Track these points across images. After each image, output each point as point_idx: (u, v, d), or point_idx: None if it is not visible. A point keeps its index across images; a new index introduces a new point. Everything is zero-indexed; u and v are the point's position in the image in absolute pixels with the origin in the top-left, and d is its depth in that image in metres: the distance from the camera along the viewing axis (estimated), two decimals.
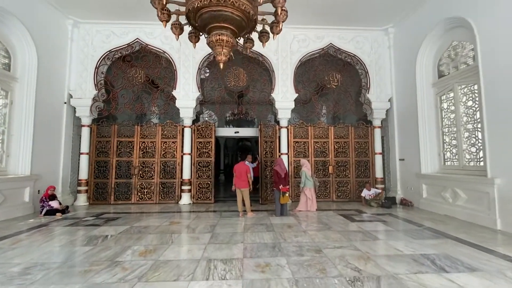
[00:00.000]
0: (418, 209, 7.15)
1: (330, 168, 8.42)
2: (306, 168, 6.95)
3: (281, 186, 6.19)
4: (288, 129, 8.48)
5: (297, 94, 8.38)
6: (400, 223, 5.59)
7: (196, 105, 8.31)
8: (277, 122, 8.65)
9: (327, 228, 5.13)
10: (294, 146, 8.48)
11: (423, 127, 7.28)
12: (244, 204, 6.37)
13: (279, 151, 8.43)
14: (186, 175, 8.13)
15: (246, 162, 7.00)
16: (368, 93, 8.61)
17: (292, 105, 8.34)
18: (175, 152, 8.31)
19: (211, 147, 8.28)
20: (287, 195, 6.25)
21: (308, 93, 8.70)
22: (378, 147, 8.58)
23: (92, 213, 6.76)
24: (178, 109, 8.24)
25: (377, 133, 8.62)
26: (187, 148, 8.21)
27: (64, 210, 6.68)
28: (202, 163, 8.27)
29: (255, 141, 25.31)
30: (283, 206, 6.27)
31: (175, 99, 8.18)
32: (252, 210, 6.57)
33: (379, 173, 8.47)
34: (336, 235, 4.67)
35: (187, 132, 8.27)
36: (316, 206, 6.95)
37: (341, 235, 4.66)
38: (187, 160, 8.19)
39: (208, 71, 8.73)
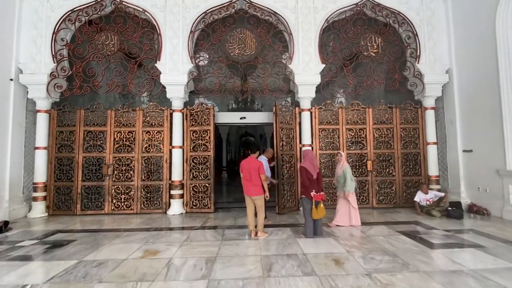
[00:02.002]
0: (502, 220, 5.03)
1: (369, 164, 6.28)
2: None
3: (313, 193, 4.09)
4: (311, 112, 6.35)
5: (323, 65, 6.23)
6: (509, 250, 3.48)
7: (189, 82, 6.20)
8: (296, 104, 6.51)
9: (401, 265, 3.03)
10: (319, 135, 6.36)
11: (509, 107, 5.10)
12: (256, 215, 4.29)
13: (300, 142, 6.32)
14: (177, 175, 6.07)
15: (262, 157, 4.95)
16: (418, 62, 6.42)
17: (318, 79, 6.19)
18: (161, 145, 6.23)
19: (209, 138, 6.18)
20: (322, 205, 4.14)
21: (337, 63, 6.52)
22: (431, 135, 6.41)
23: (41, 231, 4.74)
24: (165, 88, 6.14)
25: (430, 116, 6.45)
26: (177, 140, 6.13)
27: (0, 228, 4.68)
28: (197, 159, 6.19)
29: (260, 135, 23.18)
30: (316, 222, 4.18)
31: (161, 74, 6.07)
32: (266, 225, 4.50)
33: (433, 170, 6.32)
34: (429, 284, 2.58)
35: (177, 118, 6.18)
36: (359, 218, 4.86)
37: (439, 285, 2.56)
38: (177, 155, 6.11)
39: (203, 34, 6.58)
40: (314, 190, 4.11)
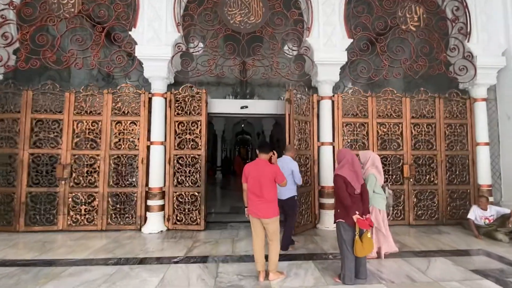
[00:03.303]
0: None
1: (405, 168, 4.89)
2: (375, 169, 3.38)
3: (357, 216, 2.64)
4: (334, 101, 4.91)
5: (350, 40, 4.80)
6: None
7: (174, 57, 4.68)
8: (314, 91, 5.06)
9: None
10: (343, 131, 4.93)
11: None
12: (269, 239, 2.83)
13: (318, 139, 4.89)
14: (156, 180, 4.57)
15: (286, 158, 3.55)
16: (468, 40, 5.05)
17: (343, 57, 4.76)
18: (136, 140, 4.71)
19: (200, 132, 4.69)
20: (369, 235, 2.70)
21: (366, 39, 5.08)
22: (482, 134, 5.05)
23: None
24: (142, 65, 4.63)
25: (481, 109, 5.08)
26: (157, 133, 4.63)
27: None
28: (184, 159, 4.70)
29: (257, 133, 21.69)
30: (359, 260, 2.74)
31: (136, 45, 4.55)
32: (280, 259, 3.04)
33: (484, 177, 4.96)
34: None
35: (158, 104, 4.67)
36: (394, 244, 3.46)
37: None
38: (157, 154, 4.61)
39: None
40: (357, 211, 2.68)
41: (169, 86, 4.86)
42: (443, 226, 4.87)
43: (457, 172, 5.07)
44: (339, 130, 4.89)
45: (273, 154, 2.96)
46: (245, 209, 2.95)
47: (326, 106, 4.85)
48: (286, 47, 5.08)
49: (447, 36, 5.18)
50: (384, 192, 3.39)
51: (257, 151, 2.95)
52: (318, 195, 4.80)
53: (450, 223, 4.93)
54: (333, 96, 4.91)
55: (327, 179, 4.75)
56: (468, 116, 5.14)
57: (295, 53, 4.96)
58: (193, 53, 4.75)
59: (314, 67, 4.80)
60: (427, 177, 5.01)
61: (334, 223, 2.87)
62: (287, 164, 3.58)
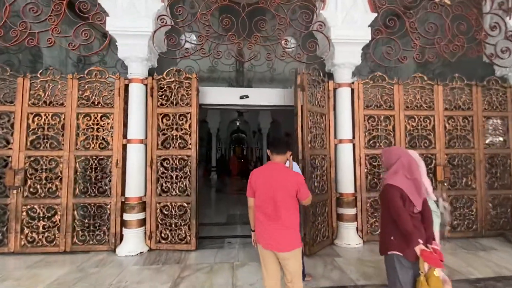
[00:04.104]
0: None
1: (439, 170, 4.05)
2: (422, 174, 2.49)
3: (420, 247, 1.77)
4: (353, 89, 4.04)
5: (374, 14, 3.93)
6: None
7: (157, 32, 3.72)
8: (329, 76, 4.18)
9: None
10: (365, 125, 4.06)
11: None
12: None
13: (335, 136, 4.01)
14: (134, 188, 3.63)
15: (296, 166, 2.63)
16: (510, 18, 4.24)
17: (367, 35, 3.88)
18: (109, 138, 3.74)
19: (190, 126, 3.74)
20: (437, 273, 1.83)
21: (392, 12, 4.21)
22: None
23: None
24: (115, 44, 3.66)
25: None
26: (136, 129, 3.68)
27: None
28: (170, 161, 3.75)
29: (253, 132, 20.70)
30: None
31: (107, 16, 3.58)
32: None
33: None
34: None
35: (137, 92, 3.72)
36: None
37: None
38: (136, 154, 3.66)
39: None
40: (421, 240, 1.80)
41: (151, 71, 3.91)
42: (482, 238, 4.07)
43: (498, 175, 4.27)
44: (360, 125, 4.02)
45: (291, 155, 2.07)
46: (252, 233, 2.06)
47: (344, 96, 3.97)
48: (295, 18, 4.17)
49: (485, 12, 4.35)
50: (437, 206, 2.52)
51: (269, 152, 2.04)
52: (335, 204, 3.93)
53: (490, 234, 4.14)
54: (353, 83, 4.04)
55: (346, 185, 3.89)
56: (510, 107, 4.34)
57: (304, 28, 4.05)
58: (181, 27, 3.80)
59: (331, 47, 3.90)
60: (464, 181, 4.20)
61: (381, 254, 1.99)
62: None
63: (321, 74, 3.90)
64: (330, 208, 3.90)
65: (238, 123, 20.53)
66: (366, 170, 4.01)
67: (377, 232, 3.95)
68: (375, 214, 3.99)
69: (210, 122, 13.48)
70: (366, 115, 4.06)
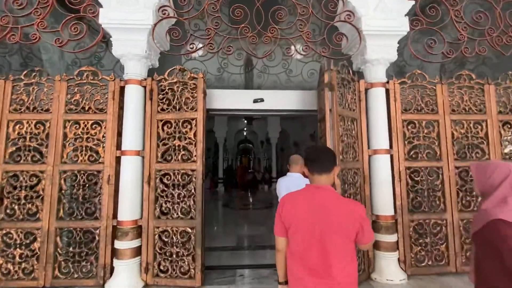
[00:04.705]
0: None
1: None
2: None
3: None
4: (389, 89, 3.40)
5: (412, 2, 3.33)
6: None
7: (158, 25, 3.19)
8: (358, 75, 3.55)
9: None
10: (404, 132, 3.39)
11: None
12: None
13: (368, 145, 3.34)
14: (129, 209, 3.01)
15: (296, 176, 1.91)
16: None
17: (404, 26, 3.27)
18: (99, 148, 3.16)
19: (195, 135, 3.14)
20: None
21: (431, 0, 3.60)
22: None
23: None
24: (109, 39, 3.15)
25: None
26: (132, 138, 3.10)
27: None
28: (171, 176, 3.13)
29: (261, 141, 20.01)
30: None
31: (100, 8, 3.08)
32: None
33: None
34: None
35: (134, 95, 3.16)
36: None
37: None
38: (131, 168, 3.06)
39: None
40: None
41: (151, 72, 3.37)
42: None
43: None
44: (398, 132, 3.35)
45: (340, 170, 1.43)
46: (278, 286, 1.40)
47: (378, 97, 3.34)
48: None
49: None
50: None
51: (306, 171, 1.40)
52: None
53: None
54: (387, 83, 3.41)
55: (384, 205, 3.19)
56: None
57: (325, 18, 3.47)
58: (186, 19, 3.26)
59: (361, 41, 3.30)
60: None
61: None
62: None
63: (350, 72, 3.29)
64: None
65: (245, 133, 20.06)
66: (407, 186, 3.32)
67: (423, 264, 3.21)
68: (420, 241, 3.26)
69: (217, 131, 12.96)
70: (405, 120, 3.40)
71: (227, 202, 9.67)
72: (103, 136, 3.16)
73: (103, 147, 3.15)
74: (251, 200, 10.55)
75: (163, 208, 3.08)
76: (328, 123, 2.88)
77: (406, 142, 3.37)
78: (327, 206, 1.25)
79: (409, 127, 3.40)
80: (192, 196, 3.05)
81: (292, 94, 3.85)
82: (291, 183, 2.63)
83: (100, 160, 3.14)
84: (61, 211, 3.07)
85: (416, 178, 3.33)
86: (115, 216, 3.04)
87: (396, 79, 3.45)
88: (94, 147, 3.16)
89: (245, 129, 18.17)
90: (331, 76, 2.89)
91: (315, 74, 4.29)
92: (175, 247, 3.02)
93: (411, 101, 3.44)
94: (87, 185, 3.12)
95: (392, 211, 3.21)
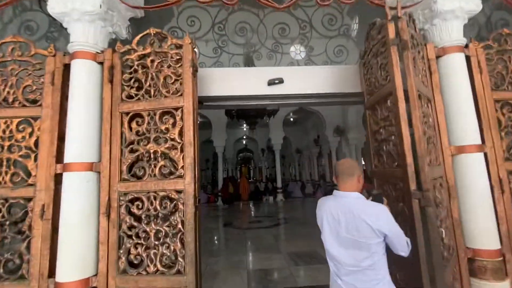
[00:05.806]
0: None
1: None
2: None
3: None
4: (470, 56, 2.28)
5: None
6: None
7: None
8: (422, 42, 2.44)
9: None
10: (498, 119, 2.25)
11: None
12: None
13: (448, 141, 2.18)
14: (74, 261, 1.80)
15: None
16: None
17: None
18: (30, 163, 1.99)
19: (181, 132, 1.97)
20: None
21: None
22: None
23: None
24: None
25: None
26: (80, 144, 1.92)
27: None
28: (144, 203, 1.94)
29: (262, 149, 18.73)
30: None
31: None
32: None
33: None
34: None
35: (84, 77, 2.00)
36: None
37: None
38: (79, 192, 1.87)
39: None
40: None
41: (113, 44, 2.23)
42: None
43: None
44: (491, 119, 2.21)
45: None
46: None
47: (456, 68, 2.22)
48: None
49: None
50: None
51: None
52: (467, 270, 2.02)
53: None
54: (468, 46, 2.30)
55: (483, 233, 2.02)
56: None
57: None
58: None
59: None
60: None
61: None
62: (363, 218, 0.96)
63: (417, 28, 2.18)
64: (460, 278, 2.00)
65: (244, 141, 19.00)
66: (508, 195, 2.15)
67: None
68: None
69: (216, 140, 11.74)
70: (497, 101, 2.27)
71: (229, 220, 8.35)
72: (35, 143, 1.99)
73: (35, 159, 1.97)
74: (256, 215, 9.29)
75: (132, 257, 1.87)
76: (400, 105, 1.73)
77: (502, 133, 2.23)
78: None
79: (504, 110, 2.27)
80: (179, 235, 1.85)
81: (324, 71, 2.68)
82: (332, 212, 1.40)
83: (30, 181, 1.95)
84: None
85: None
86: (51, 274, 1.83)
87: (476, 43, 2.34)
88: (20, 160, 1.97)
89: (244, 137, 17.13)
90: (401, 27, 1.76)
91: (343, 52, 3.19)
92: None
93: (502, 73, 2.33)
94: (7, 223, 1.91)
95: (497, 242, 2.03)
